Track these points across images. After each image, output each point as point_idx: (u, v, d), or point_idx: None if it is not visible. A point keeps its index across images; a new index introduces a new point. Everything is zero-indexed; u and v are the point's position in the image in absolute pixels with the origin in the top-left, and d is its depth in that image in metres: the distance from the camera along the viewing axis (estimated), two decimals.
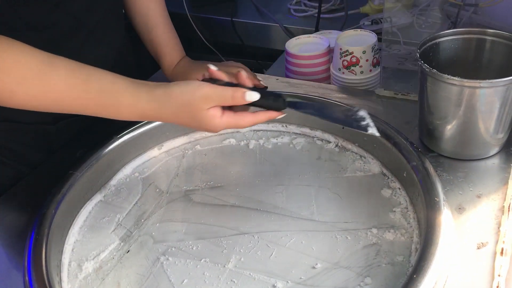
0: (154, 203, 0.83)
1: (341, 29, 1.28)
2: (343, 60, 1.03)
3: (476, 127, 0.79)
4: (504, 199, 0.74)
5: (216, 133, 0.93)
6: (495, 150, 0.83)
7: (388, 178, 0.83)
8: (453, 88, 0.76)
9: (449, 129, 0.80)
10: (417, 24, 1.09)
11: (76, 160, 0.83)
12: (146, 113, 0.70)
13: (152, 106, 0.69)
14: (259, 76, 1.06)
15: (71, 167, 0.81)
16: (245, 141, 0.94)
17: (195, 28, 1.45)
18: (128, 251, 0.76)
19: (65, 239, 0.77)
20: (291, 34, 1.34)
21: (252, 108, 0.71)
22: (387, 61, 1.07)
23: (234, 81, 0.72)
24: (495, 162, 0.82)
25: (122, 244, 0.77)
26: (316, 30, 1.30)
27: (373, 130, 0.68)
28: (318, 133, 0.92)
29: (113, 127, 0.86)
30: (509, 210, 0.72)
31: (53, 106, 0.69)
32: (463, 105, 0.76)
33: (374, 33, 1.05)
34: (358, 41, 1.04)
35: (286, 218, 0.78)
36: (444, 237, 0.65)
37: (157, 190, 0.86)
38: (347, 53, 1.02)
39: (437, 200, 0.70)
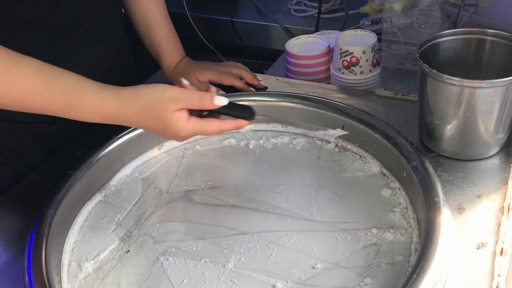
0: (154, 203, 0.83)
1: (341, 29, 1.28)
2: (343, 60, 1.03)
3: (476, 127, 0.79)
4: (504, 199, 0.74)
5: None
6: (495, 150, 0.83)
7: (388, 178, 0.83)
8: (453, 88, 0.76)
9: (449, 129, 0.80)
10: (417, 24, 1.09)
11: (76, 160, 0.83)
12: (111, 113, 0.69)
13: (117, 104, 0.68)
14: (259, 76, 1.06)
15: (71, 167, 0.81)
16: (245, 141, 0.94)
17: (195, 28, 1.45)
18: (128, 251, 0.76)
19: (65, 239, 0.77)
20: (291, 34, 1.34)
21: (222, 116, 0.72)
22: (387, 61, 1.07)
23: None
24: (495, 162, 0.82)
25: (122, 244, 0.77)
26: (316, 30, 1.30)
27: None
28: (318, 133, 0.92)
29: (113, 127, 0.86)
30: (509, 210, 0.72)
31: (17, 104, 0.69)
32: (463, 105, 0.76)
33: (374, 33, 1.05)
34: (358, 41, 1.04)
35: (286, 218, 0.78)
36: (444, 237, 0.65)
37: (157, 190, 0.86)
38: (347, 53, 1.02)
39: (437, 200, 0.70)
